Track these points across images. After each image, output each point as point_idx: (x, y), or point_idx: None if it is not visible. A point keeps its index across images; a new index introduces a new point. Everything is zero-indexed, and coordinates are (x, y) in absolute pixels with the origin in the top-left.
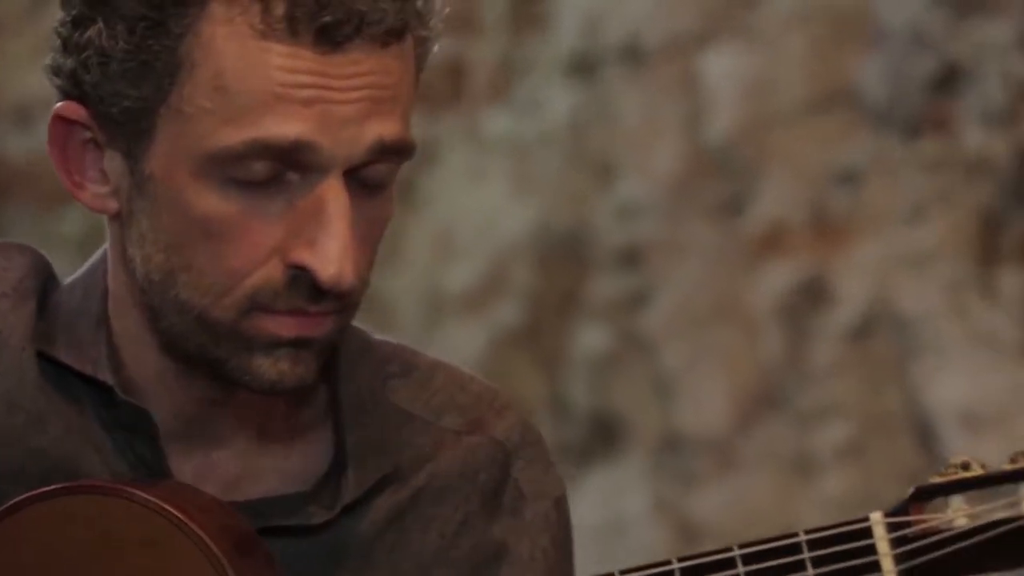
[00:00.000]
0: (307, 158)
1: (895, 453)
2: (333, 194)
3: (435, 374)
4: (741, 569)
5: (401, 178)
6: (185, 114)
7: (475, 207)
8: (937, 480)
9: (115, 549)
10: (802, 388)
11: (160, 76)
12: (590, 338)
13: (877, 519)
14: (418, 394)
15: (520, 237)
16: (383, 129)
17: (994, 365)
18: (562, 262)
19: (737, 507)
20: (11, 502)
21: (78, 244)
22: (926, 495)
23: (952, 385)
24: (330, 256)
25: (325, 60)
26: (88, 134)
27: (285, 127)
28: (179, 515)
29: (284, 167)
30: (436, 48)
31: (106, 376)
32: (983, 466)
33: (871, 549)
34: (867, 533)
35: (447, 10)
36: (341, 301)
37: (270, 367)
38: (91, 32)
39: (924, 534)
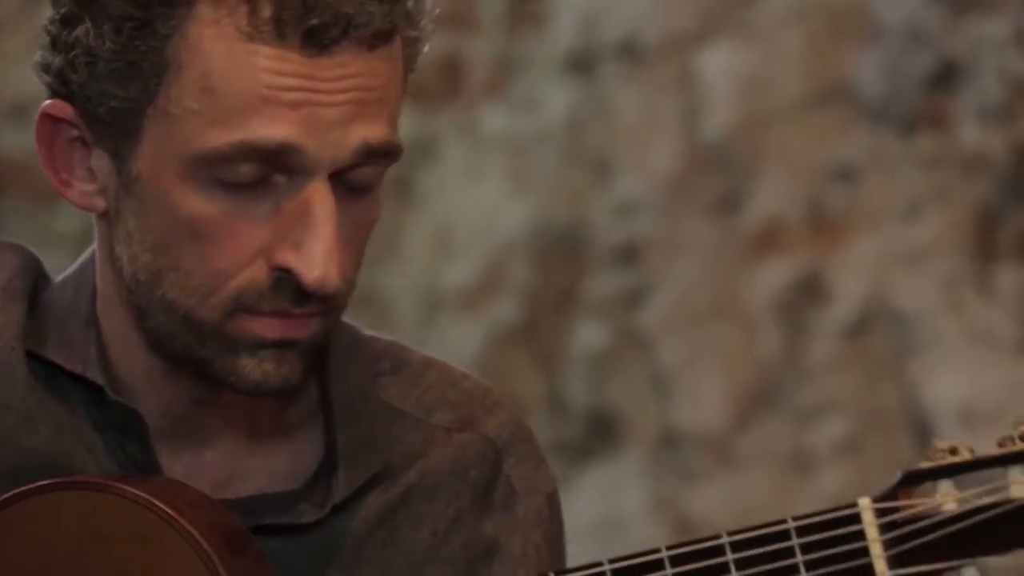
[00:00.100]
0: (293, 161)
1: (892, 449)
2: (319, 197)
3: (426, 371)
4: (730, 556)
5: (398, 175)
6: (172, 115)
7: (472, 204)
8: (925, 465)
9: (105, 544)
10: (799, 385)
11: (147, 77)
12: (588, 335)
13: (866, 504)
14: (409, 391)
15: (517, 234)
16: (369, 132)
17: (991, 361)
18: (560, 259)
19: (735, 504)
20: (2, 498)
21: (74, 240)
22: (914, 480)
23: (949, 381)
24: (315, 259)
25: (312, 63)
26: (75, 132)
27: (272, 129)
28: (169, 511)
29: (270, 169)
30: (427, 48)
31: (96, 375)
32: (971, 450)
33: (860, 535)
34: (856, 519)
35: (438, 10)
36: (326, 303)
37: (255, 368)
38: (79, 31)
39: (913, 519)
